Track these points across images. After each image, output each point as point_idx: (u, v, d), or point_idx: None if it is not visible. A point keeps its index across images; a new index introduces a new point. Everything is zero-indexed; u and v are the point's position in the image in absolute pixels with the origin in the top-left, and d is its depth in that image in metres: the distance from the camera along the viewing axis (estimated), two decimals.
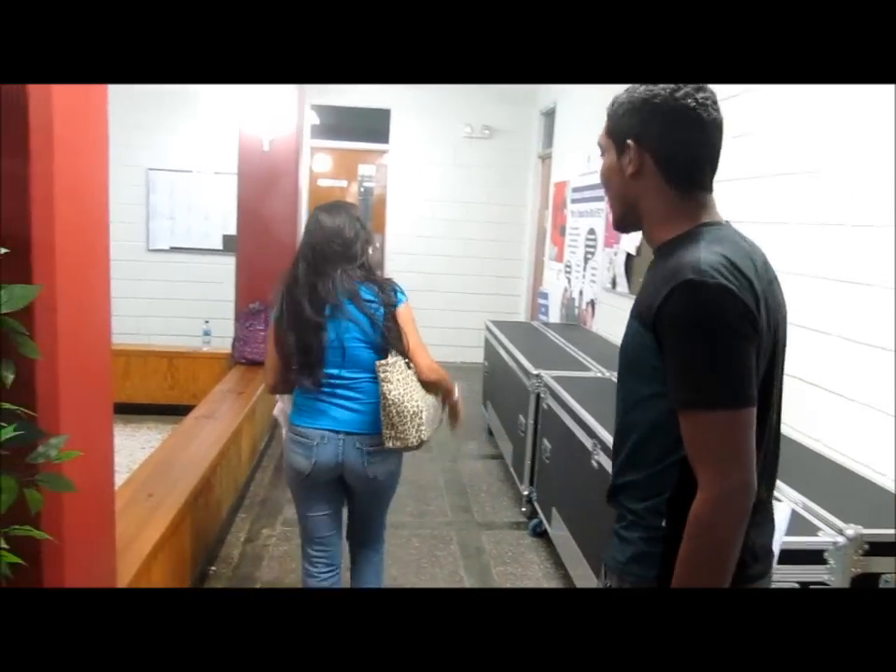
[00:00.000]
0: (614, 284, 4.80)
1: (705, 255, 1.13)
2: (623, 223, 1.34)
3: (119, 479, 3.31)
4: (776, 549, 1.34)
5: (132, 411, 5.52)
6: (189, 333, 6.56)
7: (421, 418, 2.19)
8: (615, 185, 1.29)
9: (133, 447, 4.89)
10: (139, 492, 2.76)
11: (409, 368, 2.24)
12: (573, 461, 3.05)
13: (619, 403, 1.32)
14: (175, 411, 4.95)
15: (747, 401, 1.11)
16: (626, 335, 1.26)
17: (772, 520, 1.31)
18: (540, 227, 7.41)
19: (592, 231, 5.42)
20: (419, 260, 7.70)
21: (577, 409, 3.06)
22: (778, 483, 2.24)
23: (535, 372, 3.71)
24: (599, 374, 3.70)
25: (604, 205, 5.09)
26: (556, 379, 3.49)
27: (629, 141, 1.23)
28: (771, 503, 1.31)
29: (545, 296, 6.70)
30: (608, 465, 2.60)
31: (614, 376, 3.65)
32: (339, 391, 2.27)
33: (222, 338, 5.67)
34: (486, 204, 7.70)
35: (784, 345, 1.26)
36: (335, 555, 2.46)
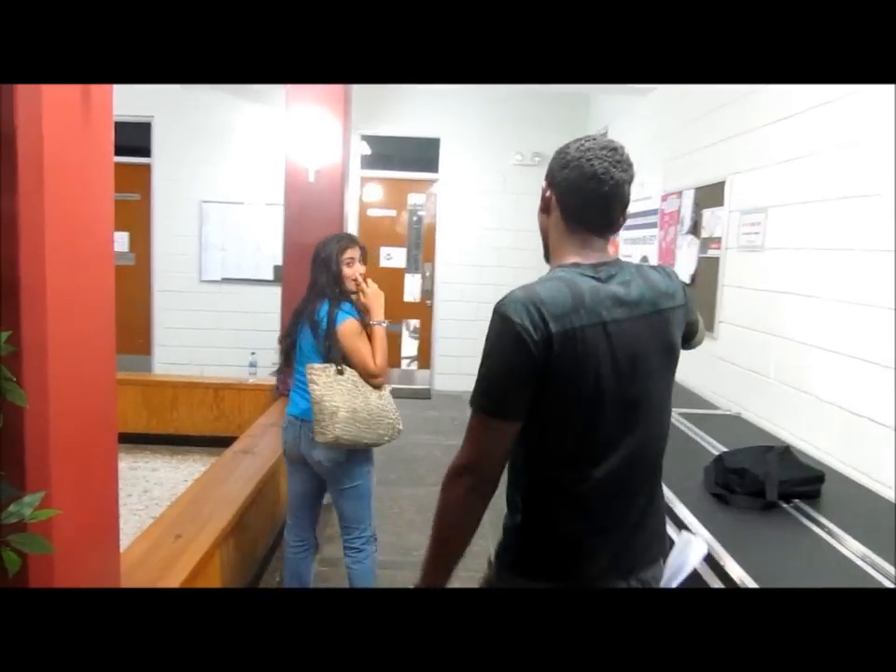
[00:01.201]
0: None
1: (518, 291, 1.35)
2: (545, 254, 1.54)
3: (158, 513, 3.25)
4: (675, 577, 1.52)
5: (178, 442, 5.52)
6: (240, 364, 6.57)
7: (338, 417, 2.58)
8: (538, 218, 1.53)
9: (177, 480, 4.86)
10: (166, 533, 2.67)
11: (340, 374, 2.65)
12: None
13: None
14: (220, 442, 4.89)
15: (487, 412, 1.34)
16: None
17: (636, 527, 1.44)
18: None
19: (644, 259, 5.23)
20: (469, 290, 7.60)
21: None
22: (837, 531, 2.05)
23: None
24: None
25: (657, 232, 4.91)
26: None
27: (544, 182, 1.48)
28: (628, 511, 1.43)
29: None
30: None
31: None
32: (299, 384, 2.81)
33: (273, 368, 5.62)
34: (537, 233, 7.42)
35: (646, 371, 1.39)
36: (303, 532, 2.92)
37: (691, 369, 4.22)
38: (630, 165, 1.42)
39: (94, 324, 1.51)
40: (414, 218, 8.00)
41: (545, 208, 1.49)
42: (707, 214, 4.02)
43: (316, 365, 2.66)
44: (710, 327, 3.90)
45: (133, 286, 7.48)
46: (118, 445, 1.68)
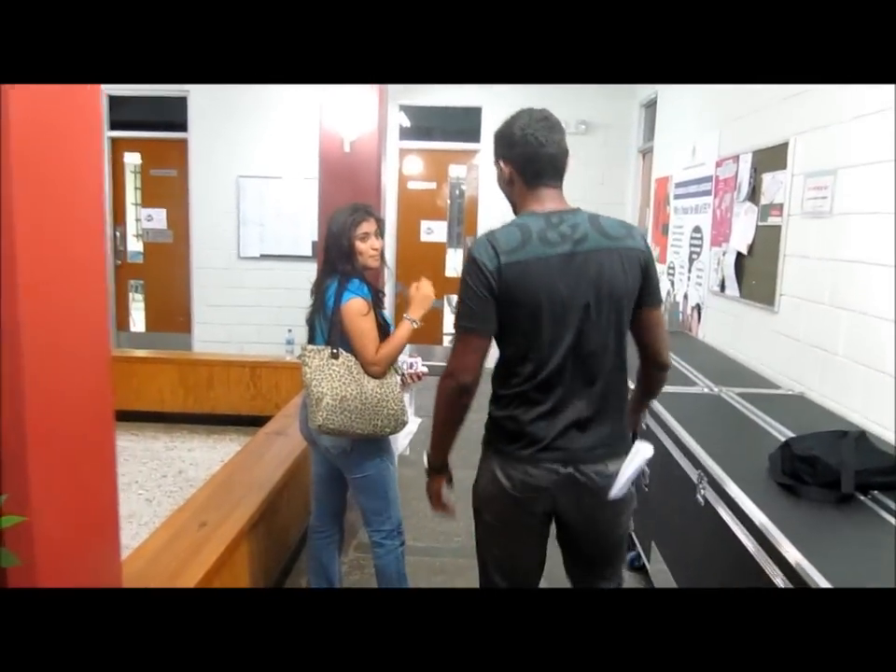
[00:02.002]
0: (723, 286, 4.33)
1: (482, 235, 1.77)
2: (514, 211, 1.89)
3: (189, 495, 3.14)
4: (623, 478, 1.82)
5: (215, 421, 5.45)
6: (279, 341, 6.46)
7: (322, 404, 2.41)
8: (503, 189, 1.90)
9: (213, 461, 4.76)
10: (191, 520, 2.54)
11: (335, 358, 2.45)
12: (675, 494, 2.65)
13: None
14: (257, 422, 4.79)
15: (462, 329, 1.76)
16: None
17: (579, 427, 1.80)
18: (641, 226, 6.93)
19: (697, 230, 4.95)
20: None
21: (679, 433, 2.66)
22: None
23: (632, 387, 3.30)
24: (707, 390, 3.26)
25: (711, 200, 4.63)
26: None
27: (500, 161, 1.86)
28: (588, 416, 1.80)
29: None
30: (715, 501, 2.21)
31: (725, 392, 3.23)
32: None
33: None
34: (583, 203, 7.00)
35: (594, 299, 1.74)
36: (325, 517, 2.78)
37: (748, 344, 3.96)
38: (559, 124, 1.82)
39: (81, 297, 1.35)
40: (456, 192, 7.79)
41: (509, 181, 1.85)
42: (766, 178, 3.73)
43: (311, 346, 2.49)
44: (770, 300, 3.63)
45: (172, 263, 7.42)
46: (114, 432, 1.52)
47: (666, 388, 3.20)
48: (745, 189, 4.00)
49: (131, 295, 7.71)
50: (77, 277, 1.35)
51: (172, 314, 7.55)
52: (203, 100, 7.11)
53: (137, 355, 6.00)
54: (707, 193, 4.74)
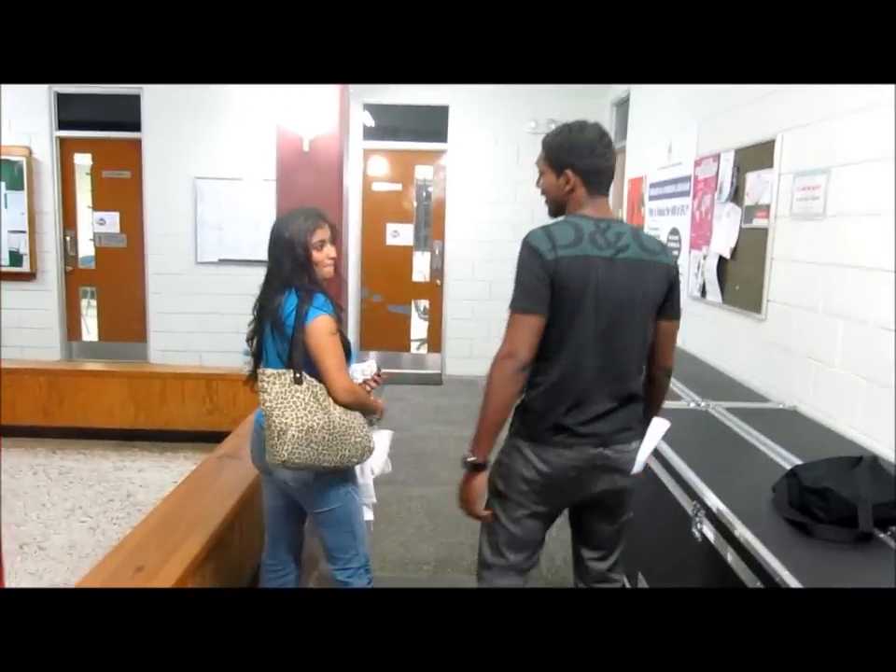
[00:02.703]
0: (704, 292, 4.13)
1: (538, 228, 1.91)
2: (554, 212, 2.05)
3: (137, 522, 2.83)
4: (643, 454, 2.04)
5: (169, 438, 5.13)
6: (240, 350, 6.16)
7: (286, 436, 2.14)
8: (554, 196, 2.02)
9: (165, 482, 4.44)
10: (125, 565, 2.24)
11: (298, 383, 2.17)
12: (666, 525, 2.42)
13: None
14: (214, 437, 4.48)
15: (521, 310, 1.87)
16: None
17: (606, 416, 1.94)
18: None
19: (675, 232, 4.74)
20: (482, 268, 7.13)
21: (669, 455, 2.43)
22: None
23: None
24: (693, 405, 3.03)
25: (689, 201, 4.42)
26: None
27: (567, 170, 1.96)
28: (613, 407, 1.95)
29: None
30: (714, 538, 1.98)
31: (713, 407, 3.01)
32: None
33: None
34: None
35: (627, 302, 1.90)
36: (281, 553, 2.54)
37: (732, 353, 3.76)
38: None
39: None
40: (423, 194, 7.53)
41: (571, 189, 1.97)
42: (751, 178, 3.53)
43: (269, 370, 2.19)
44: (757, 307, 3.42)
45: (126, 269, 7.07)
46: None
47: None
48: (727, 189, 3.79)
49: (84, 301, 7.34)
50: None
51: (127, 321, 7.19)
52: (158, 98, 6.76)
53: (84, 368, 5.66)
54: (684, 194, 4.54)
